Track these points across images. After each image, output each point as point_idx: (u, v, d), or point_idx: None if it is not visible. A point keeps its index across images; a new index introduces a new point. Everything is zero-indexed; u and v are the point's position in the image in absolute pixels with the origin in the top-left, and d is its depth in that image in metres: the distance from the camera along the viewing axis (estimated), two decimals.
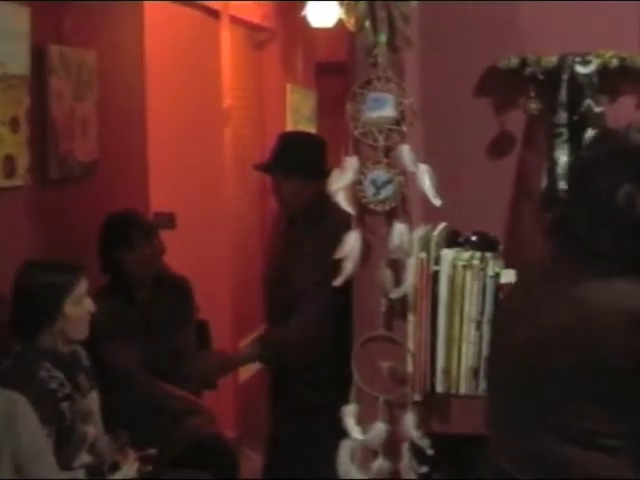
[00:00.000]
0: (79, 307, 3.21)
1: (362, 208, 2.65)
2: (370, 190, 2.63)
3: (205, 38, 5.83)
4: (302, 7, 6.70)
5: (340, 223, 3.71)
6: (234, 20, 6.12)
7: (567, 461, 2.05)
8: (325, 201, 3.88)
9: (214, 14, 5.87)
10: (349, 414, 2.73)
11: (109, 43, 4.38)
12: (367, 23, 2.64)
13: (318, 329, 3.58)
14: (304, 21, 6.79)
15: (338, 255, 2.63)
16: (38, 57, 3.73)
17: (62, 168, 3.89)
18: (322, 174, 3.89)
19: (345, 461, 2.74)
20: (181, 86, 5.59)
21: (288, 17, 7.05)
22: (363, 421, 2.72)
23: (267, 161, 4.00)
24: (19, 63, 3.55)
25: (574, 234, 2.12)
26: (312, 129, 7.47)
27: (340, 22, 6.37)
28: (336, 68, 7.63)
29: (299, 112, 7.33)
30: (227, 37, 5.98)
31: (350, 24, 2.69)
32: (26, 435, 2.74)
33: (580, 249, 2.11)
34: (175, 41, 5.53)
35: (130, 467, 3.26)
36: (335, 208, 3.81)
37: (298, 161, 3.82)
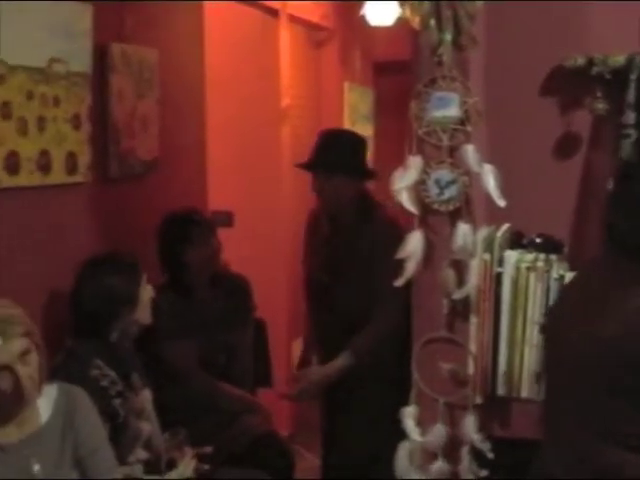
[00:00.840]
0: (146, 292, 3.30)
1: (425, 208, 2.62)
2: (434, 190, 2.60)
3: (264, 37, 5.83)
4: (361, 6, 6.69)
5: (389, 222, 3.72)
6: (293, 19, 6.12)
7: (615, 464, 2.03)
8: (369, 200, 3.90)
9: (273, 13, 5.88)
10: (409, 415, 2.71)
11: (170, 41, 4.40)
12: (432, 22, 2.62)
13: (401, 326, 3.54)
14: (363, 20, 6.78)
15: (400, 255, 2.61)
16: (100, 55, 3.75)
17: (123, 166, 3.91)
18: (363, 173, 3.88)
19: (403, 462, 2.72)
20: (240, 84, 5.59)
21: (347, 16, 7.04)
22: (422, 423, 2.70)
23: (308, 159, 3.97)
24: (81, 61, 3.57)
25: (617, 237, 2.09)
26: (369, 128, 7.45)
27: (399, 21, 6.38)
28: (394, 67, 7.63)
29: (357, 111, 7.31)
30: (286, 36, 5.97)
31: (415, 23, 2.67)
32: (85, 429, 2.75)
33: (623, 252, 2.08)
34: (234, 40, 5.54)
35: (187, 465, 3.26)
36: (380, 207, 3.83)
37: (339, 160, 3.80)
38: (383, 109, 7.83)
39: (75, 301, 3.25)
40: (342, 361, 3.68)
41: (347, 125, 6.93)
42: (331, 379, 3.72)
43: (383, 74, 8.06)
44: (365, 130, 7.22)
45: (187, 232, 3.90)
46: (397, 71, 7.53)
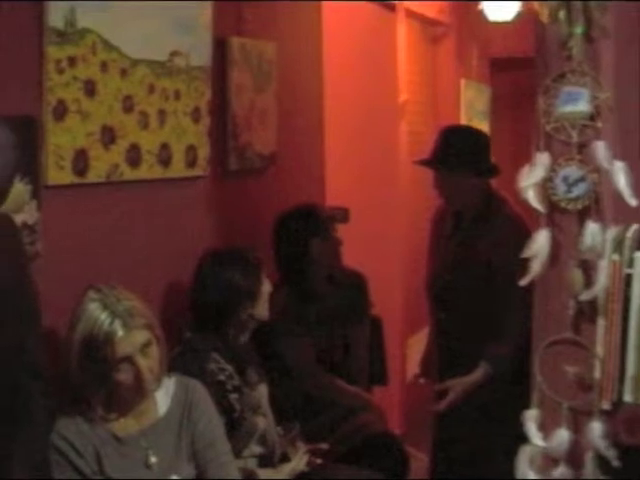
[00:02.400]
0: (266, 287, 3.30)
1: (552, 206, 2.54)
2: (561, 188, 2.52)
3: (381, 32, 5.80)
4: (478, 1, 6.62)
5: (514, 220, 3.64)
6: (410, 14, 6.07)
7: None
8: (494, 197, 3.82)
9: (390, 8, 5.84)
10: (531, 419, 2.63)
11: (288, 35, 4.39)
12: (562, 14, 2.53)
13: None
14: (480, 15, 6.70)
15: (526, 254, 2.54)
16: (220, 49, 3.76)
17: (241, 159, 3.91)
18: (487, 170, 3.81)
19: (524, 466, 2.65)
20: (357, 79, 5.57)
21: (463, 11, 6.98)
22: (545, 427, 2.62)
23: (430, 156, 3.91)
24: (201, 55, 3.59)
25: None
26: (486, 125, 7.37)
27: (518, 16, 6.28)
28: (511, 63, 7.55)
29: (473, 107, 7.23)
30: (403, 31, 5.93)
31: (543, 15, 2.59)
32: (202, 422, 2.76)
33: None
34: (352, 34, 5.52)
35: (300, 459, 3.25)
36: (507, 204, 3.76)
37: (462, 157, 3.74)
38: (499, 106, 7.74)
39: (195, 295, 3.27)
40: (481, 372, 3.62)
41: (463, 122, 6.86)
42: (470, 390, 3.67)
43: (500, 70, 7.97)
44: (481, 127, 7.13)
45: (310, 226, 3.88)
46: (514, 67, 7.48)
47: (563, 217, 2.55)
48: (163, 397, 2.74)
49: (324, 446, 3.38)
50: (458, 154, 3.74)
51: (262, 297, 3.27)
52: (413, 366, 5.14)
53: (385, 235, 5.73)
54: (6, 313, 2.12)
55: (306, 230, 3.86)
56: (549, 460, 2.63)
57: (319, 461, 3.33)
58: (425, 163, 3.93)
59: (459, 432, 3.87)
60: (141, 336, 2.56)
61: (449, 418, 3.92)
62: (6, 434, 2.14)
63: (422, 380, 4.22)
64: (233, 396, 3.10)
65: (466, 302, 3.76)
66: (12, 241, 2.23)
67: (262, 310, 3.29)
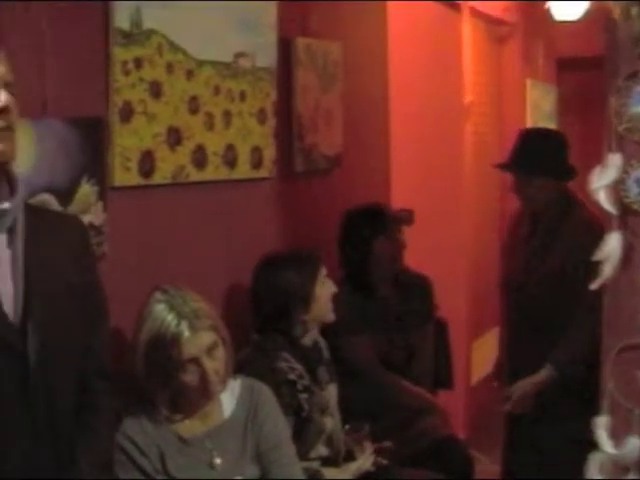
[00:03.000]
0: (325, 289, 3.26)
1: (624, 208, 2.49)
2: (634, 189, 2.47)
3: (446, 32, 5.76)
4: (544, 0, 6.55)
5: (588, 222, 3.58)
6: (475, 13, 6.03)
7: None
8: (570, 200, 3.77)
9: (455, 8, 5.80)
10: (601, 426, 2.58)
11: (353, 36, 4.37)
12: (635, 10, 2.48)
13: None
14: (547, 14, 6.62)
15: (597, 257, 2.49)
16: (285, 50, 3.76)
17: (307, 161, 3.90)
18: (566, 173, 3.75)
19: (594, 474, 2.60)
20: (422, 80, 5.54)
21: (529, 10, 6.91)
22: (615, 434, 2.57)
23: (508, 159, 3.87)
24: (267, 56, 3.59)
25: None
26: (552, 126, 7.29)
27: (585, 15, 6.19)
28: (578, 63, 7.46)
29: (539, 108, 7.16)
30: (468, 31, 5.89)
31: (615, 13, 2.53)
32: (268, 424, 2.74)
33: None
34: (417, 34, 5.50)
35: (366, 459, 3.23)
36: (582, 207, 3.70)
37: (540, 160, 3.71)
38: (566, 107, 7.65)
39: (254, 297, 3.26)
40: (544, 374, 3.58)
41: (529, 123, 6.79)
42: (534, 392, 3.63)
43: (566, 71, 7.87)
44: None
45: (377, 225, 3.86)
46: (581, 67, 7.40)
47: (636, 219, 2.50)
48: (228, 399, 2.73)
49: (389, 445, 3.35)
50: (537, 157, 3.71)
51: (320, 299, 3.26)
52: (478, 370, 5.10)
53: (450, 237, 5.69)
54: (74, 313, 2.13)
55: (372, 229, 3.85)
56: (619, 468, 2.58)
57: (385, 460, 3.30)
58: (504, 167, 3.90)
59: (529, 437, 3.82)
60: (207, 337, 2.56)
61: (519, 423, 3.87)
62: (73, 434, 2.14)
63: (495, 384, 4.17)
64: (303, 396, 3.10)
65: (539, 305, 3.71)
66: (81, 242, 2.24)
67: (322, 311, 3.27)
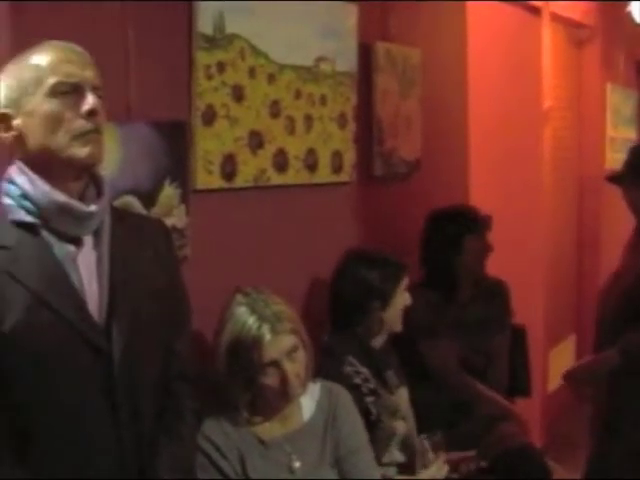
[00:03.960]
0: (403, 298, 3.26)
1: None
2: None
3: (526, 36, 5.70)
4: (625, 3, 6.45)
5: None
6: (555, 17, 5.95)
7: None
8: None
9: (535, 11, 5.73)
10: None
11: (432, 40, 4.36)
12: None
13: None
14: (627, 17, 6.53)
15: None
16: (365, 54, 3.75)
17: (386, 166, 3.89)
18: None
19: None
20: (501, 85, 5.49)
21: (610, 14, 6.81)
22: None
23: (618, 172, 3.81)
24: (347, 60, 3.59)
25: None
26: (633, 131, 7.18)
27: None
28: None
29: (619, 113, 7.05)
30: (548, 35, 5.82)
31: None
32: (347, 428, 2.75)
33: None
34: (496, 39, 5.45)
35: (440, 468, 3.19)
36: None
37: None
38: None
39: (332, 291, 3.27)
40: (608, 355, 3.49)
41: (609, 128, 6.69)
42: (597, 373, 3.53)
43: None
44: (628, 134, 6.96)
45: (467, 224, 3.84)
46: None
47: None
48: (308, 402, 2.74)
49: (472, 454, 3.32)
50: None
51: (396, 303, 3.25)
52: (555, 377, 5.03)
53: (528, 242, 5.63)
54: (158, 316, 2.15)
55: (462, 227, 3.82)
56: None
57: (471, 467, 3.27)
58: (614, 180, 3.85)
59: (629, 444, 3.74)
60: (288, 340, 2.57)
61: (616, 428, 3.79)
62: (155, 436, 2.15)
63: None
64: (369, 399, 3.08)
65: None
66: (165, 245, 2.26)
67: (394, 318, 3.26)
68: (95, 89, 2.01)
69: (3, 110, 2.00)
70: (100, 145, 2.02)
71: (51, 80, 1.97)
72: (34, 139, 1.98)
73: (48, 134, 1.97)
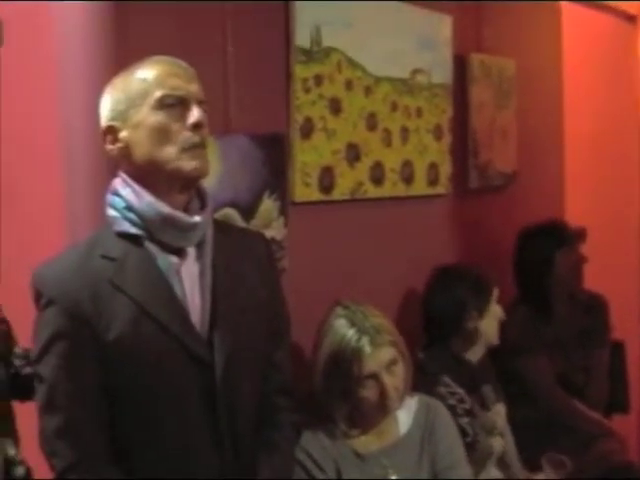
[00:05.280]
0: (495, 311, 3.23)
1: None
2: None
3: (622, 46, 5.60)
4: None
5: None
6: None
7: None
8: None
9: (630, 20, 5.64)
10: None
11: (527, 50, 4.32)
12: None
13: None
14: None
15: None
16: (459, 66, 3.74)
17: (482, 178, 3.87)
18: None
19: None
20: (597, 94, 5.41)
21: None
22: None
23: None
24: (442, 72, 3.59)
25: None
26: None
27: None
28: None
29: None
30: None
31: None
32: (444, 443, 2.72)
33: None
34: (591, 48, 5.37)
35: None
36: None
37: None
38: None
39: (424, 308, 3.26)
40: None
41: None
42: None
43: None
44: None
45: (557, 239, 3.79)
46: None
47: None
48: (405, 416, 2.71)
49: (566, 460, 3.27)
50: None
51: (490, 316, 3.22)
52: None
53: (624, 255, 5.52)
54: (259, 328, 2.15)
55: (552, 243, 3.77)
56: None
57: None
58: None
59: None
60: (387, 353, 2.55)
61: None
62: (255, 447, 2.15)
63: None
64: (464, 420, 3.04)
65: None
66: (266, 257, 2.25)
67: (490, 331, 3.23)
68: (200, 103, 2.02)
69: (110, 123, 2.02)
70: (205, 159, 2.02)
71: (158, 93, 1.98)
72: (141, 151, 1.99)
73: (155, 146, 1.98)
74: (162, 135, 1.98)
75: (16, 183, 2.80)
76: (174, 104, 1.99)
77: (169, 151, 1.98)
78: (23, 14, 2.73)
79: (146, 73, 2.02)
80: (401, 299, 3.38)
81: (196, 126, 1.98)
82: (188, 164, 1.98)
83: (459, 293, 3.18)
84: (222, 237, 2.14)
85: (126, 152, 2.01)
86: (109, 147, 2.03)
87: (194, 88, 2.02)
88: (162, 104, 1.98)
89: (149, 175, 2.00)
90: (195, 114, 1.99)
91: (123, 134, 2.01)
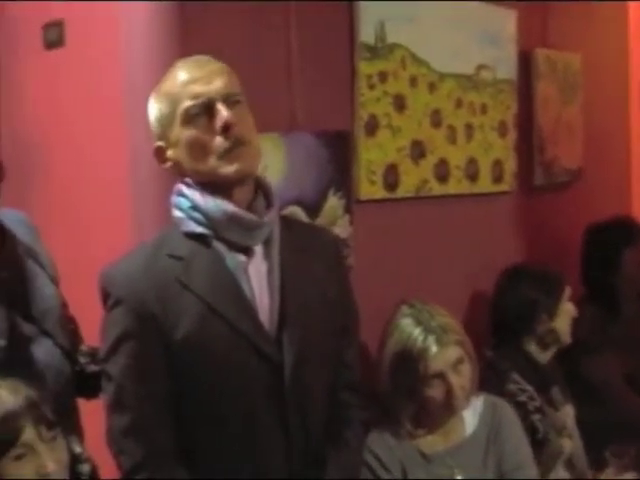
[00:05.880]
0: (567, 310, 3.19)
1: None
2: None
3: None
4: None
5: None
6: None
7: None
8: None
9: None
10: None
11: (593, 45, 4.26)
12: None
13: None
14: None
15: None
16: (524, 61, 3.70)
17: (547, 174, 3.83)
18: None
19: None
20: None
21: None
22: None
23: None
24: (507, 68, 3.55)
25: None
26: None
27: None
28: None
29: None
30: None
31: None
32: (511, 443, 2.68)
33: None
34: None
35: None
36: None
37: None
38: None
39: (494, 310, 3.22)
40: None
41: None
42: None
43: None
44: None
45: (624, 236, 3.73)
46: None
47: None
48: (471, 416, 2.69)
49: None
50: None
51: (562, 315, 3.18)
52: None
53: None
54: (328, 326, 2.12)
55: (619, 240, 3.71)
56: None
57: None
58: None
59: None
60: (454, 353, 2.53)
61: None
62: (324, 445, 2.13)
63: None
64: (535, 417, 3.01)
65: None
66: (334, 254, 2.23)
67: (561, 330, 3.19)
68: (227, 97, 1.97)
69: (159, 143, 2.03)
70: (247, 155, 1.98)
71: (181, 107, 1.96)
72: (187, 167, 1.99)
73: (195, 160, 1.97)
74: (197, 149, 1.96)
75: (85, 186, 2.83)
76: (199, 113, 1.95)
77: (208, 162, 1.96)
78: (85, 14, 2.76)
79: (169, 87, 2.00)
80: (465, 298, 3.35)
81: (225, 129, 1.94)
82: (228, 170, 1.95)
83: (530, 293, 3.14)
84: (290, 234, 2.11)
85: (177, 168, 2.02)
86: (162, 165, 2.03)
87: (217, 85, 1.97)
88: (188, 117, 1.96)
89: (204, 180, 2.00)
90: (221, 116, 1.94)
91: (169, 153, 2.01)
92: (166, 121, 2.00)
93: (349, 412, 2.20)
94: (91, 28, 2.78)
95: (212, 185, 1.98)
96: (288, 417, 2.02)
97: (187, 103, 1.95)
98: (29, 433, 1.86)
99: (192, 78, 1.98)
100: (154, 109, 2.03)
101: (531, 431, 2.96)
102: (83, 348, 2.31)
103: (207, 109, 1.95)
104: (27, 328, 2.14)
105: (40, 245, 2.31)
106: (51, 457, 1.88)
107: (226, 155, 1.94)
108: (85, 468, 2.05)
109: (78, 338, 2.35)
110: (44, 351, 2.15)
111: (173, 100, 1.98)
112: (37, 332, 2.15)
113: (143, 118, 2.07)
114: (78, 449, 2.05)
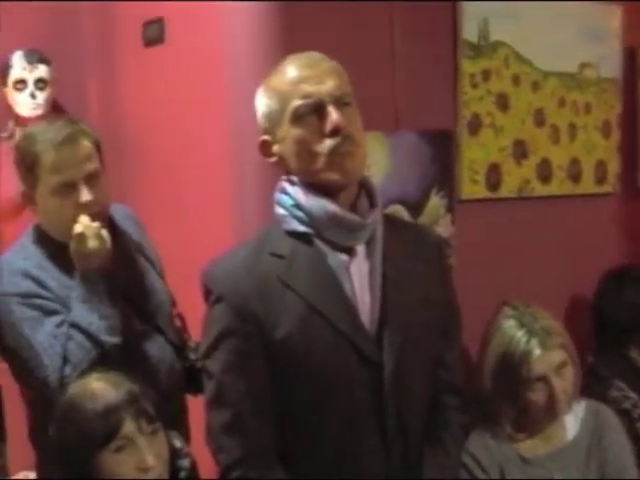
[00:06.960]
0: None
1: None
2: None
3: None
4: None
5: None
6: None
7: None
8: None
9: None
10: None
11: None
12: None
13: None
14: None
15: None
16: (629, 59, 3.62)
17: None
18: None
19: None
20: None
21: None
22: None
23: None
24: (611, 66, 3.50)
25: None
26: None
27: None
28: None
29: None
30: None
31: None
32: (614, 450, 2.63)
33: None
34: None
35: None
36: None
37: None
38: None
39: (596, 315, 3.16)
40: None
41: None
42: None
43: None
44: None
45: None
46: None
47: None
48: (572, 421, 2.64)
49: None
50: None
51: None
52: None
53: None
54: (430, 326, 2.10)
55: None
56: None
57: None
58: None
59: None
60: (557, 356, 2.49)
61: None
62: (422, 448, 2.11)
63: None
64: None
65: None
66: (437, 255, 2.20)
67: None
68: (338, 99, 1.95)
69: (264, 137, 2.02)
70: (354, 159, 1.96)
71: (291, 106, 1.94)
72: (292, 165, 1.99)
73: (301, 160, 1.96)
74: (304, 149, 1.95)
75: (186, 182, 2.86)
76: (308, 112, 1.94)
77: (314, 163, 1.95)
78: (185, 12, 2.78)
79: (279, 84, 1.98)
80: (565, 300, 3.31)
81: (334, 132, 1.92)
82: (333, 175, 1.94)
83: (634, 297, 3.09)
84: (392, 234, 2.09)
85: (282, 163, 2.00)
86: (267, 159, 2.03)
87: (328, 86, 1.95)
88: (297, 116, 1.94)
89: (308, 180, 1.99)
90: (332, 119, 1.92)
91: (275, 148, 2.00)
92: (274, 117, 1.99)
93: (449, 415, 2.17)
94: (191, 26, 2.81)
95: (316, 184, 1.97)
96: (387, 418, 2.00)
97: (297, 102, 1.94)
98: (129, 426, 1.89)
99: (303, 76, 1.96)
100: (262, 104, 2.02)
101: (635, 439, 2.91)
102: (192, 344, 2.33)
103: (317, 109, 1.94)
104: (141, 325, 2.16)
105: (147, 240, 2.34)
106: (151, 451, 1.90)
107: (332, 158, 1.93)
108: (185, 463, 2.07)
109: (186, 334, 2.37)
110: (157, 347, 2.18)
111: (283, 97, 1.97)
112: (150, 329, 2.18)
113: (245, 116, 2.07)
114: (178, 444, 2.07)
